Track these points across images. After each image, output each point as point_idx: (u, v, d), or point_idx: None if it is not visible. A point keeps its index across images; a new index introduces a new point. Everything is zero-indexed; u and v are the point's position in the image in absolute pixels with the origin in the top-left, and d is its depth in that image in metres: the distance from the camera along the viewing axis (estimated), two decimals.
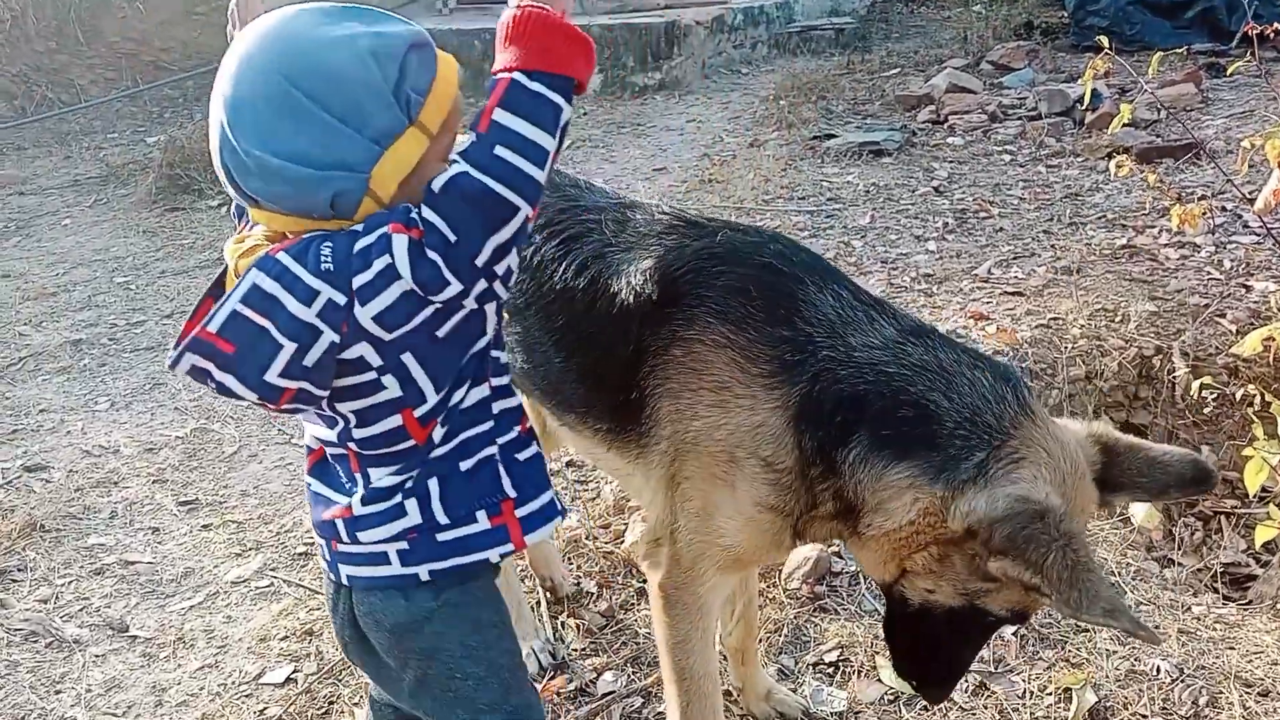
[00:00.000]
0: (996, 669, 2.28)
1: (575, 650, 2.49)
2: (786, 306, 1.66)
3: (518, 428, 1.46)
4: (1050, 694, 2.20)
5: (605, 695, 2.33)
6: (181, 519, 3.27)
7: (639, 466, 1.81)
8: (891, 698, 2.24)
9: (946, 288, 4.15)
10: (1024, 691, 2.21)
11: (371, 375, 1.32)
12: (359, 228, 1.29)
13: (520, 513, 1.44)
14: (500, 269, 1.29)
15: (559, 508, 1.49)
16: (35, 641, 2.72)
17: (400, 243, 1.25)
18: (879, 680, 2.28)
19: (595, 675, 2.39)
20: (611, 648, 2.48)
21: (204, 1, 9.54)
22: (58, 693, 2.54)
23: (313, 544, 2.82)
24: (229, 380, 1.30)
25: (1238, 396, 3.09)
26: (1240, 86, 6.49)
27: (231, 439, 3.75)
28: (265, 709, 2.40)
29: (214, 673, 2.56)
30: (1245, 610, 2.50)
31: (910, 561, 1.58)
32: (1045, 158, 5.80)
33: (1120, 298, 3.81)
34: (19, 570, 3.03)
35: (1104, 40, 3.22)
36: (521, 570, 2.77)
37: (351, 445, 1.40)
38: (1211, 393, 3.12)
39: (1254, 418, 2.36)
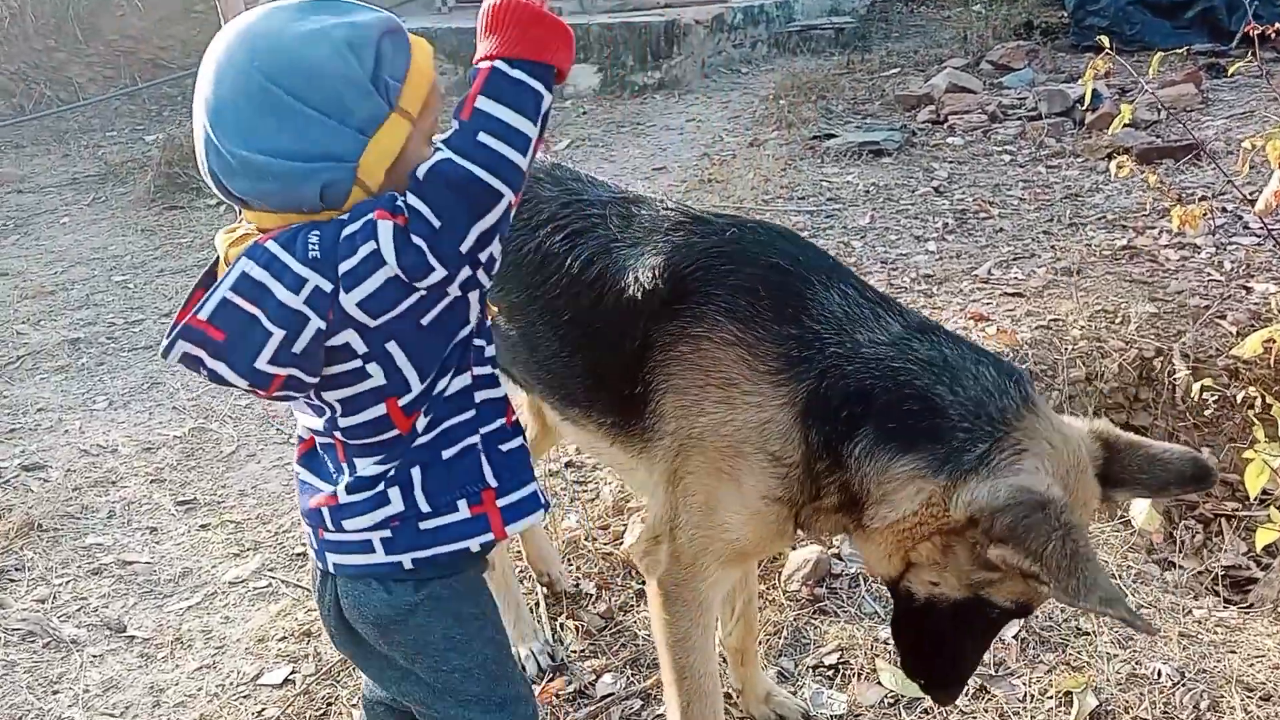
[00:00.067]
0: (997, 672, 2.28)
1: (574, 652, 2.48)
2: (794, 305, 1.67)
3: (502, 419, 1.48)
4: (1051, 697, 2.19)
5: (604, 697, 2.32)
6: (179, 519, 3.26)
7: (642, 461, 1.82)
8: (891, 701, 2.23)
9: (946, 288, 4.14)
10: (1024, 695, 2.21)
11: (357, 363, 1.34)
12: (345, 216, 1.30)
13: (501, 503, 1.45)
14: (484, 256, 1.30)
15: (542, 501, 1.51)
16: (33, 641, 2.71)
17: (385, 229, 1.26)
18: (879, 683, 2.27)
19: (594, 677, 2.38)
20: (610, 650, 2.47)
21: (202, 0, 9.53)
22: (55, 693, 2.53)
23: None
24: (220, 367, 1.32)
25: (1238, 399, 3.08)
26: (1241, 87, 6.48)
27: (230, 439, 3.74)
28: (263, 710, 2.39)
29: (212, 673, 2.55)
30: (1246, 614, 2.49)
31: (914, 553, 1.60)
32: (1045, 158, 5.79)
33: (1120, 299, 3.80)
34: (16, 570, 3.03)
35: (1104, 40, 3.22)
36: (520, 572, 2.76)
37: (338, 434, 1.42)
38: (1212, 395, 3.12)
39: (1255, 420, 2.36)
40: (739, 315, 1.67)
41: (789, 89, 7.75)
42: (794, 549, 2.68)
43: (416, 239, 1.26)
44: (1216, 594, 2.66)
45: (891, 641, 2.36)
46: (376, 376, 1.35)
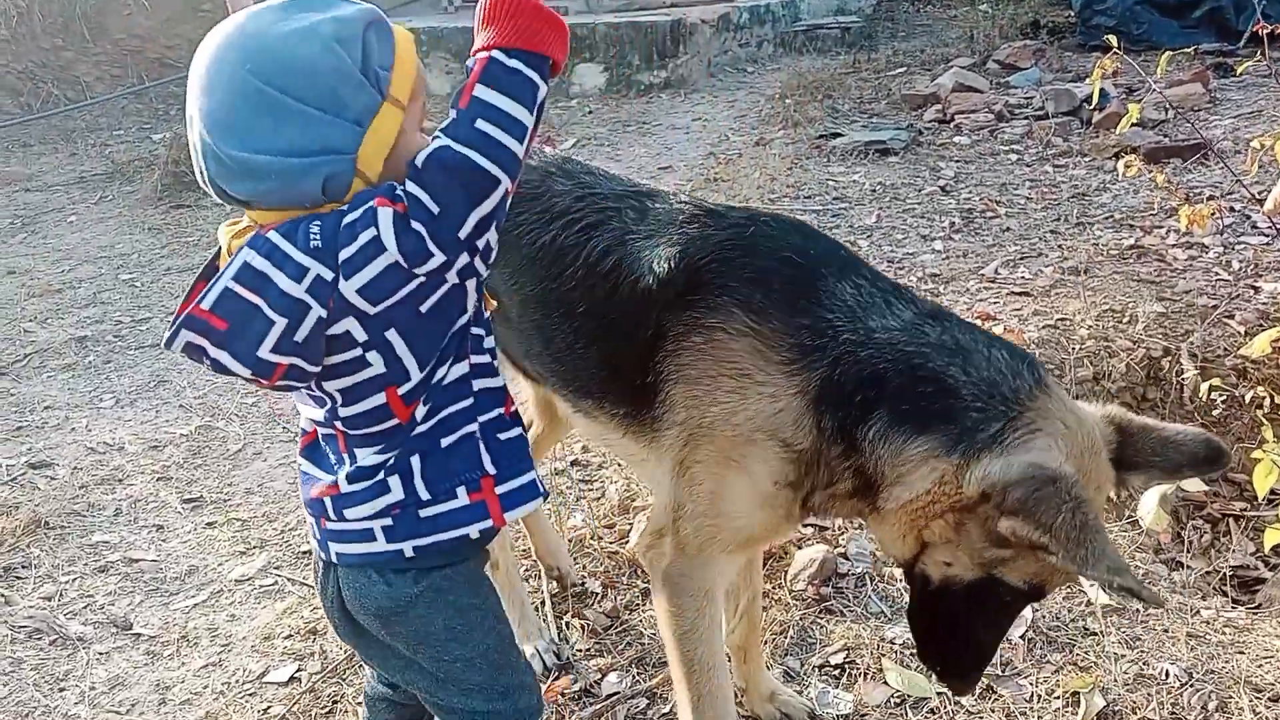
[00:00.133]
0: (1004, 672, 2.27)
1: (580, 651, 2.48)
2: (807, 296, 1.69)
3: (500, 408, 1.49)
4: (1058, 698, 2.18)
5: (610, 696, 2.32)
6: (186, 516, 3.27)
7: (652, 452, 1.83)
8: (898, 700, 2.23)
9: (953, 288, 4.13)
10: (1031, 695, 2.20)
11: (357, 351, 1.35)
12: (346, 206, 1.32)
13: (500, 490, 1.47)
14: (481, 244, 1.32)
15: (540, 489, 1.52)
16: (39, 639, 2.71)
17: (385, 215, 1.28)
18: (885, 683, 2.26)
19: (600, 676, 2.38)
20: (616, 648, 2.47)
21: None
22: (61, 690, 2.53)
23: None
24: (223, 357, 1.34)
25: (1247, 398, 3.07)
26: (1248, 86, 6.46)
27: (236, 437, 3.75)
28: (269, 708, 2.39)
29: (218, 671, 2.56)
30: (1254, 614, 2.48)
31: (928, 531, 1.61)
32: (1052, 157, 5.77)
33: (1128, 298, 3.79)
34: (23, 567, 3.03)
35: (1112, 39, 3.21)
36: (526, 570, 2.76)
37: (338, 424, 1.44)
38: (1220, 394, 3.11)
39: (1263, 420, 2.35)
40: (753, 307, 1.68)
41: (795, 88, 7.74)
42: (799, 548, 2.68)
43: (416, 225, 1.28)
44: (1224, 594, 2.65)
45: (897, 641, 2.37)
46: (376, 365, 1.37)
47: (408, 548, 1.45)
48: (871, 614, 2.49)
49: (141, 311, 5.03)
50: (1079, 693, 2.16)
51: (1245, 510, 3.02)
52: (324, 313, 1.30)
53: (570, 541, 2.85)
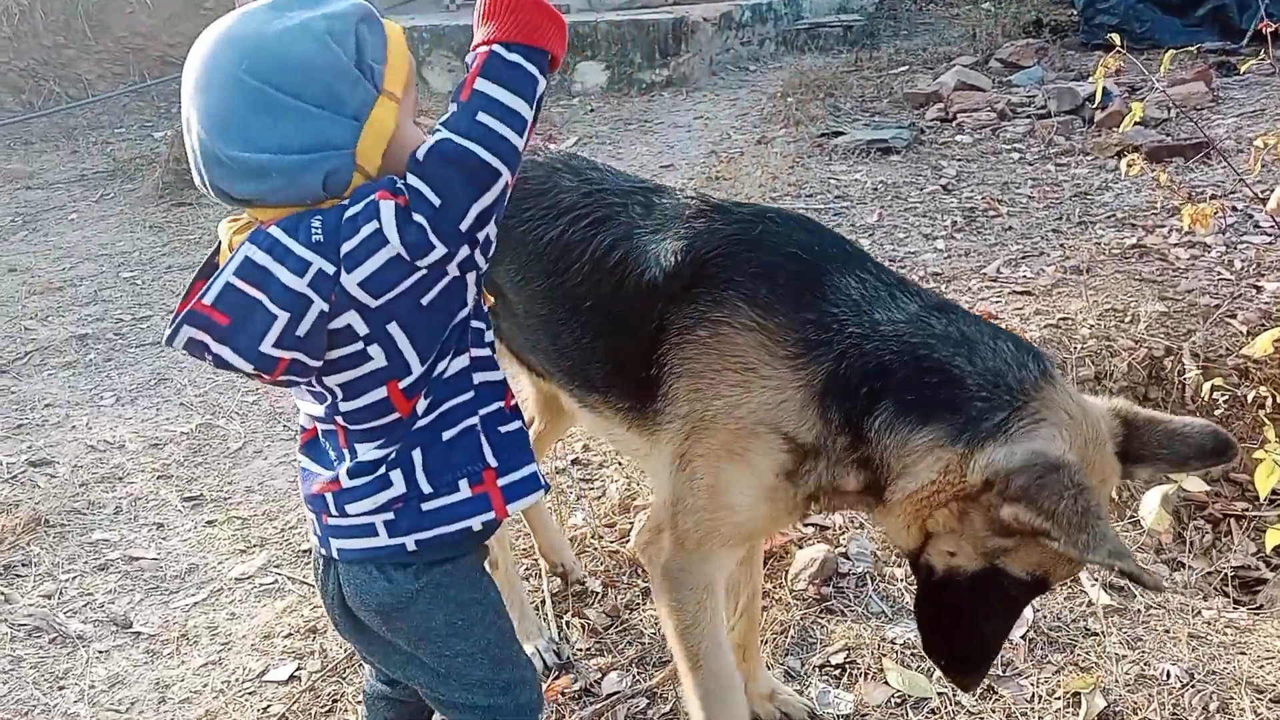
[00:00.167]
0: (1005, 672, 2.26)
1: (580, 650, 2.47)
2: (813, 290, 1.70)
3: (500, 402, 1.49)
4: (1059, 698, 2.18)
5: (610, 695, 2.31)
6: (186, 515, 3.26)
7: (654, 445, 1.84)
8: (899, 701, 2.22)
9: (955, 286, 4.12)
10: (1032, 695, 2.20)
11: (358, 345, 1.36)
12: (347, 201, 1.33)
13: (502, 482, 1.47)
14: (481, 236, 1.33)
15: (541, 482, 1.53)
16: (39, 637, 2.71)
17: (388, 208, 1.29)
18: (886, 683, 2.26)
19: (600, 675, 2.38)
20: (616, 648, 2.46)
21: None
22: (61, 688, 2.53)
23: None
24: (225, 352, 1.34)
25: (1249, 398, 3.06)
26: (1251, 85, 6.45)
27: (236, 435, 3.75)
28: (269, 706, 2.39)
29: (217, 670, 2.55)
30: (1256, 615, 2.48)
31: (932, 521, 1.61)
32: (1054, 156, 5.76)
33: (1130, 298, 3.78)
34: (23, 565, 3.03)
35: (1115, 38, 3.20)
36: (525, 570, 2.76)
37: (339, 419, 1.44)
38: (1222, 394, 3.10)
39: (1265, 420, 2.34)
40: (759, 301, 1.69)
41: (797, 87, 7.73)
42: (800, 548, 2.68)
43: (418, 217, 1.29)
44: (1226, 595, 2.64)
45: (898, 641, 2.36)
46: (378, 359, 1.37)
47: (410, 542, 1.45)
48: (872, 614, 2.48)
49: (142, 309, 5.03)
50: (1080, 693, 2.16)
51: (1247, 510, 3.01)
52: (326, 306, 1.30)
53: (571, 540, 2.85)
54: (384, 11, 1.40)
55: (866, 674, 2.29)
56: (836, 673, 2.33)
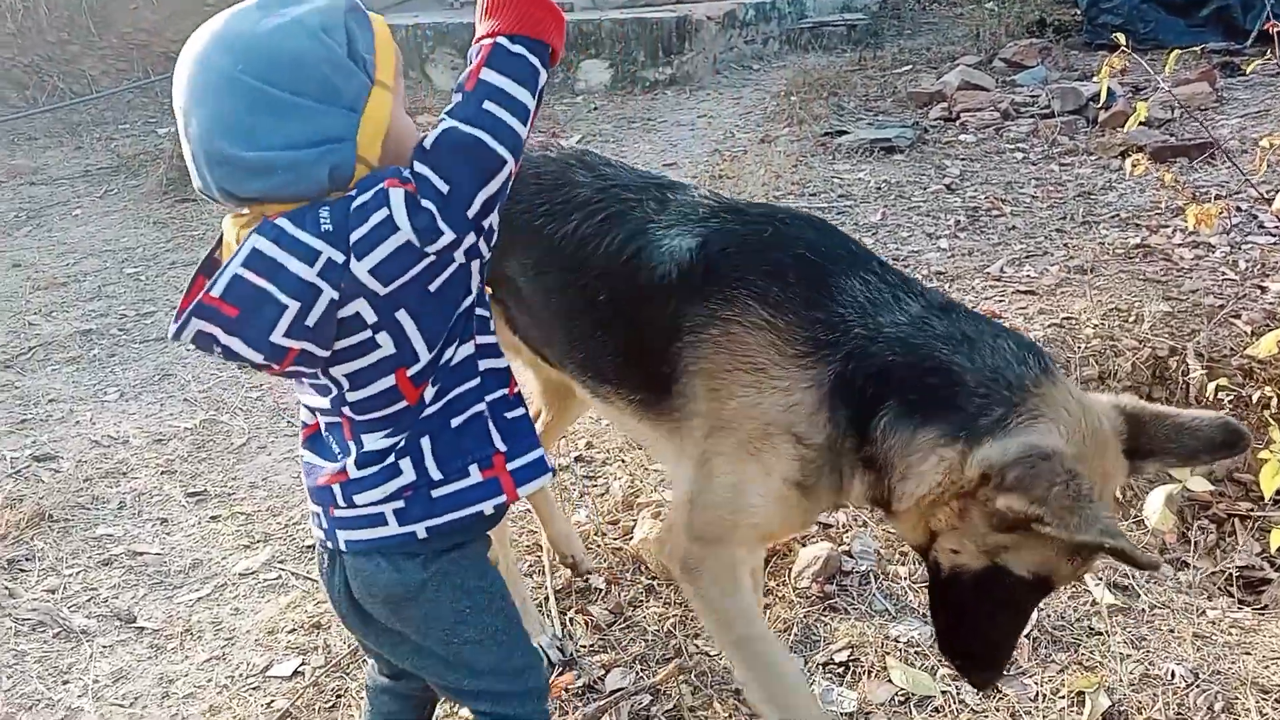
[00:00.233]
0: (1008, 671, 2.26)
1: (583, 647, 2.47)
2: (821, 291, 1.72)
3: (505, 389, 1.51)
4: (1063, 697, 2.18)
5: (614, 692, 2.31)
6: (190, 510, 3.27)
7: (671, 439, 1.87)
8: (902, 699, 2.22)
9: (958, 286, 4.12)
10: (1036, 694, 2.20)
11: (366, 334, 1.37)
12: (353, 191, 1.34)
13: (511, 466, 1.49)
14: (486, 224, 1.36)
15: (548, 465, 1.54)
16: (43, 631, 2.72)
17: (397, 195, 1.31)
18: (889, 681, 2.26)
19: (603, 672, 2.38)
20: (620, 644, 2.46)
21: None
22: (65, 683, 2.53)
23: None
24: (234, 343, 1.35)
25: (1253, 398, 3.06)
26: (1255, 85, 6.44)
27: (240, 431, 3.75)
28: (272, 701, 2.39)
29: (221, 665, 2.56)
30: (1261, 615, 2.47)
31: (934, 519, 1.62)
32: (1058, 156, 5.76)
33: (1134, 298, 3.78)
34: (27, 560, 3.03)
35: (1120, 38, 3.20)
36: (528, 567, 2.76)
37: (345, 411, 1.44)
38: (1227, 394, 3.10)
39: (1270, 420, 2.34)
40: (769, 301, 1.71)
41: (800, 85, 7.73)
42: (804, 546, 2.68)
43: (426, 203, 1.31)
44: (1230, 595, 2.64)
45: (902, 639, 2.36)
46: (386, 346, 1.38)
47: (420, 529, 1.46)
48: (876, 612, 2.48)
49: (146, 305, 5.03)
50: (1084, 692, 2.15)
51: (1251, 510, 3.01)
52: (335, 295, 1.31)
53: None
54: (388, 9, 1.41)
55: (870, 672, 2.29)
56: (840, 670, 2.33)
